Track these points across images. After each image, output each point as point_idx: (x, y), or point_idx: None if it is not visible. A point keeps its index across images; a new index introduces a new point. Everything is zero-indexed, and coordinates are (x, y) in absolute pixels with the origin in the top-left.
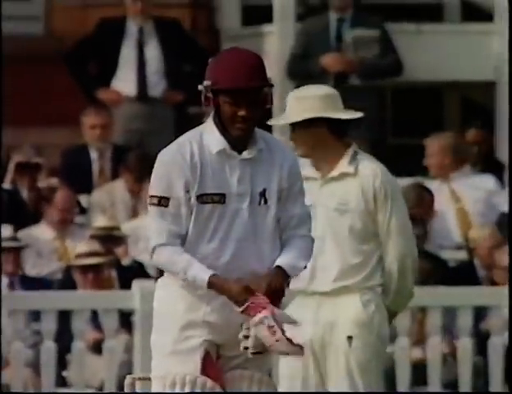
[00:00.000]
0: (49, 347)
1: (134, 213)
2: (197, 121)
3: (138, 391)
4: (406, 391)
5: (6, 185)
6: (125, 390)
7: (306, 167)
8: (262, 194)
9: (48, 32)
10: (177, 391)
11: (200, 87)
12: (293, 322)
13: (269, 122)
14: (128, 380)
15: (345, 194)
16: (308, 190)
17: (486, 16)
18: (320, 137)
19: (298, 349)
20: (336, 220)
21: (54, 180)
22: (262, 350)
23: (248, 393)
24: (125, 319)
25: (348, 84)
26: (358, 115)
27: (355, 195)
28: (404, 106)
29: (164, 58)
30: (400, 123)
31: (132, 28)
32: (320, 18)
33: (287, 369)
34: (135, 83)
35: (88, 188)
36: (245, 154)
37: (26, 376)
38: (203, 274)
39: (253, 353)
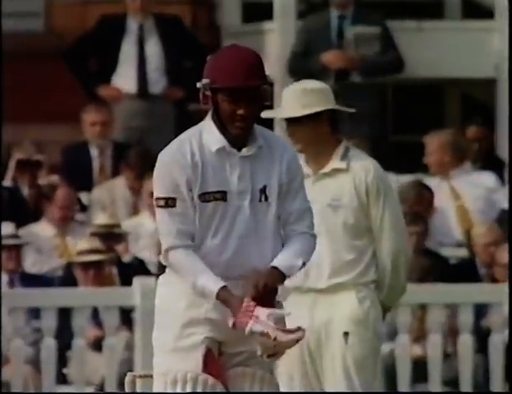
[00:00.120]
0: (49, 344)
1: (134, 211)
2: (197, 117)
3: (138, 389)
4: (407, 387)
5: (7, 183)
6: (126, 387)
7: None
8: (263, 190)
9: (48, 29)
10: (179, 388)
11: (199, 85)
12: (281, 317)
13: (268, 115)
14: (128, 377)
15: (337, 190)
16: None
17: (486, 13)
18: (318, 132)
19: (299, 333)
20: (329, 216)
21: (55, 178)
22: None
23: (249, 393)
24: (126, 316)
25: (349, 82)
26: (353, 109)
27: (348, 191)
28: (404, 103)
29: (164, 55)
30: (401, 120)
31: (132, 25)
32: (321, 15)
33: (285, 367)
34: (136, 80)
35: (88, 185)
36: (245, 151)
37: (26, 373)
38: (212, 285)
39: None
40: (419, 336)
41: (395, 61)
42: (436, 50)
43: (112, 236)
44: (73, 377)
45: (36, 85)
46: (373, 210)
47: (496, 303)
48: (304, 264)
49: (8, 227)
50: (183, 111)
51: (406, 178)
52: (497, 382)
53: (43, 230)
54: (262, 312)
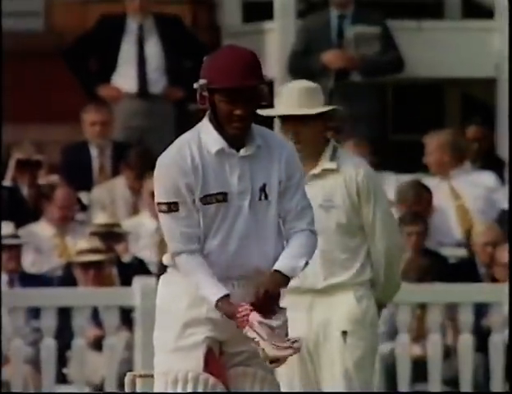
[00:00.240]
0: (49, 344)
1: (134, 210)
2: (197, 117)
3: (138, 389)
4: (407, 387)
5: (7, 183)
6: (126, 387)
7: None
8: (263, 189)
9: (48, 28)
10: (179, 387)
11: (195, 85)
12: (271, 328)
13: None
14: (128, 377)
15: (329, 191)
16: None
17: (486, 12)
18: (318, 132)
19: (289, 351)
20: (322, 217)
21: (54, 178)
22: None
23: (250, 393)
24: (126, 316)
25: (349, 81)
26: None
27: (339, 191)
28: (404, 103)
29: (164, 55)
30: (401, 120)
31: (132, 24)
32: (321, 15)
33: (285, 367)
34: (136, 79)
35: (88, 185)
36: (244, 152)
37: (26, 373)
38: (212, 297)
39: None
40: (419, 336)
41: (395, 61)
42: (436, 50)
43: (111, 236)
44: (73, 377)
45: (36, 85)
46: (365, 209)
47: (496, 302)
48: (306, 263)
49: (8, 227)
50: (183, 111)
51: (406, 178)
52: (497, 381)
53: (42, 230)
54: (255, 318)
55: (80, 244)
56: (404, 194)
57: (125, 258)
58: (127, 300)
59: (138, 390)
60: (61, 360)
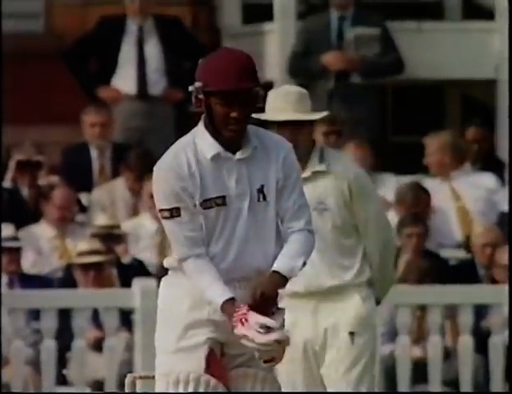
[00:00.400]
0: (49, 345)
1: (134, 212)
2: (197, 119)
3: (138, 390)
4: (407, 388)
5: (7, 184)
6: (126, 388)
7: None
8: (261, 190)
9: (48, 30)
10: (181, 388)
11: (191, 88)
12: (269, 328)
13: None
14: (129, 379)
15: (321, 193)
16: None
17: (486, 14)
18: (307, 136)
19: (278, 334)
20: (316, 220)
21: (54, 179)
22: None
23: (250, 393)
24: (126, 318)
25: (349, 83)
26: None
27: (331, 192)
28: (404, 104)
29: (164, 56)
30: (401, 121)
31: (132, 26)
32: (321, 16)
33: (288, 371)
34: (135, 81)
35: (88, 186)
36: (240, 154)
37: (26, 374)
38: (218, 298)
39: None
40: (419, 337)
41: (395, 63)
42: (437, 51)
43: (111, 237)
44: (73, 379)
45: (36, 86)
46: (358, 207)
47: (496, 304)
48: (304, 263)
49: (8, 229)
50: (183, 112)
51: (406, 179)
52: (497, 382)
53: (42, 231)
54: (253, 318)
55: (80, 245)
56: (402, 195)
57: (125, 260)
58: (127, 301)
59: (138, 391)
60: (62, 362)
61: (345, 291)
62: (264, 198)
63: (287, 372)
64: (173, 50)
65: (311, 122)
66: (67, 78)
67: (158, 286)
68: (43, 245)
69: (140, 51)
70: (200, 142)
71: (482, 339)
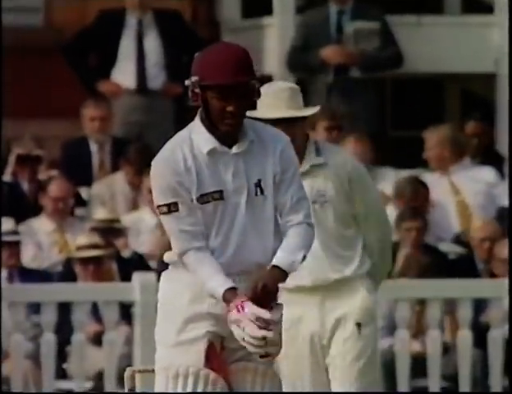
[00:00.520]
0: (49, 339)
1: (134, 206)
2: (196, 113)
3: (137, 383)
4: (406, 383)
5: (7, 178)
6: (125, 382)
7: None
8: (258, 185)
9: (47, 24)
10: (180, 383)
11: (187, 82)
12: (267, 321)
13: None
14: (128, 372)
15: (321, 186)
16: None
17: (486, 7)
18: (301, 131)
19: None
20: (317, 213)
21: (54, 173)
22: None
23: (250, 393)
24: (126, 311)
25: (348, 77)
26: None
27: (332, 184)
28: (404, 98)
29: (164, 50)
30: (400, 115)
31: (131, 20)
32: (320, 10)
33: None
34: (135, 75)
35: (88, 180)
36: (236, 148)
37: (26, 368)
38: (219, 288)
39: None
40: (418, 332)
41: (394, 57)
42: (436, 45)
43: (111, 231)
44: (73, 372)
45: (36, 80)
46: (358, 197)
47: (496, 298)
48: (304, 257)
49: (8, 223)
50: (182, 106)
51: (405, 173)
52: (496, 377)
53: (42, 225)
54: (250, 308)
55: (80, 239)
56: (401, 189)
57: (125, 254)
58: (127, 295)
59: (137, 385)
60: (61, 355)
61: (350, 283)
62: (262, 192)
63: (294, 366)
64: (173, 44)
65: (303, 118)
66: (67, 72)
67: (158, 280)
68: (42, 239)
69: (140, 45)
70: (196, 137)
71: (481, 333)
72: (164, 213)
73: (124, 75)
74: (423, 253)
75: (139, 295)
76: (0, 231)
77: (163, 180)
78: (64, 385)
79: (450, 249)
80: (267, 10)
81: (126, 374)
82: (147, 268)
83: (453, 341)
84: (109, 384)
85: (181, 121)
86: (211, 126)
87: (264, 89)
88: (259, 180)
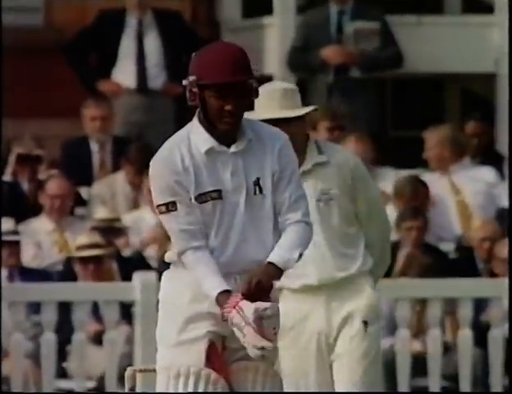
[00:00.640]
0: (49, 339)
1: (134, 205)
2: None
3: (138, 383)
4: (406, 382)
5: (7, 178)
6: (126, 381)
7: None
8: (257, 183)
9: (47, 23)
10: (181, 382)
11: (185, 82)
12: (261, 317)
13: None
14: (129, 372)
15: (325, 184)
16: None
17: (486, 7)
18: (299, 131)
19: (268, 344)
20: (322, 210)
21: (55, 172)
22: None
23: (251, 393)
24: (126, 311)
25: (348, 77)
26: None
27: (336, 182)
28: (404, 98)
29: (164, 50)
30: (401, 115)
31: (132, 19)
32: (320, 10)
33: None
34: (135, 75)
35: (88, 180)
36: (235, 148)
37: (26, 367)
38: (212, 291)
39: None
40: (419, 331)
41: (394, 56)
42: (436, 45)
43: (112, 231)
44: (73, 372)
45: (36, 80)
46: (360, 194)
47: (496, 297)
48: (300, 256)
49: (8, 223)
50: (182, 106)
51: (405, 173)
52: (497, 376)
53: (42, 224)
54: (247, 305)
55: (80, 239)
56: (401, 189)
57: (126, 253)
58: (127, 294)
59: (138, 384)
60: (62, 355)
61: (356, 281)
62: (260, 190)
63: (299, 364)
64: (173, 44)
65: (299, 117)
66: (67, 72)
67: (159, 279)
68: (42, 238)
69: (140, 45)
70: (194, 137)
71: (481, 333)
72: (163, 213)
73: (124, 74)
74: (424, 252)
75: (139, 295)
76: (0, 231)
77: (162, 180)
78: (64, 384)
79: (451, 248)
80: (268, 10)
81: (127, 374)
82: (147, 267)
83: (453, 340)
84: (110, 384)
85: (181, 121)
86: (209, 126)
87: (260, 90)
88: (258, 179)
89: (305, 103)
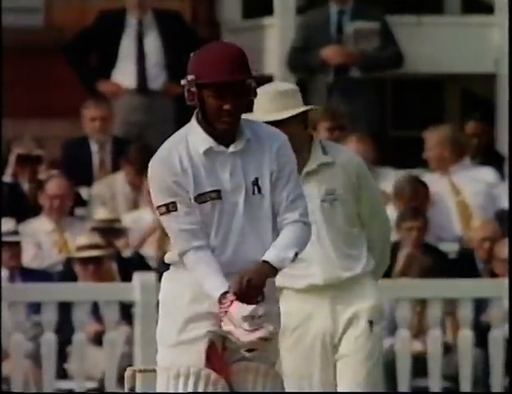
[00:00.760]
0: (50, 339)
1: (134, 206)
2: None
3: (138, 383)
4: (407, 382)
5: (7, 178)
6: (126, 382)
7: None
8: (255, 183)
9: (47, 24)
10: (181, 383)
11: (183, 81)
12: (253, 316)
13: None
14: (129, 372)
15: (330, 184)
16: None
17: (486, 8)
18: (296, 131)
19: (263, 331)
20: (327, 211)
21: (55, 173)
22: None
23: (251, 393)
24: (126, 311)
25: (348, 77)
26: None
27: (341, 182)
28: (404, 98)
29: (164, 50)
30: (401, 115)
31: (132, 20)
32: (320, 10)
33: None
34: (135, 75)
35: (88, 180)
36: (233, 148)
37: (27, 368)
38: (214, 292)
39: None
40: (419, 332)
41: (394, 57)
42: (436, 45)
43: (112, 231)
44: (73, 372)
45: (36, 80)
46: (364, 194)
47: (496, 298)
48: (296, 255)
49: (8, 223)
50: (182, 106)
51: (405, 173)
52: (497, 377)
53: (42, 225)
54: (236, 309)
55: (80, 239)
56: (400, 189)
57: (126, 254)
58: (127, 295)
59: (138, 385)
60: (62, 355)
61: (360, 281)
62: (259, 190)
63: (303, 363)
64: (173, 44)
65: (293, 119)
66: (67, 72)
67: (159, 280)
68: (42, 239)
69: (140, 45)
70: (193, 137)
71: (481, 333)
72: (163, 214)
73: (124, 75)
74: (424, 253)
75: (139, 295)
76: (0, 232)
77: (161, 181)
78: (64, 385)
79: (452, 248)
80: (268, 10)
81: (127, 374)
82: (147, 267)
83: (454, 340)
84: (110, 384)
85: (181, 121)
86: (207, 126)
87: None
88: (257, 179)
89: (305, 104)
